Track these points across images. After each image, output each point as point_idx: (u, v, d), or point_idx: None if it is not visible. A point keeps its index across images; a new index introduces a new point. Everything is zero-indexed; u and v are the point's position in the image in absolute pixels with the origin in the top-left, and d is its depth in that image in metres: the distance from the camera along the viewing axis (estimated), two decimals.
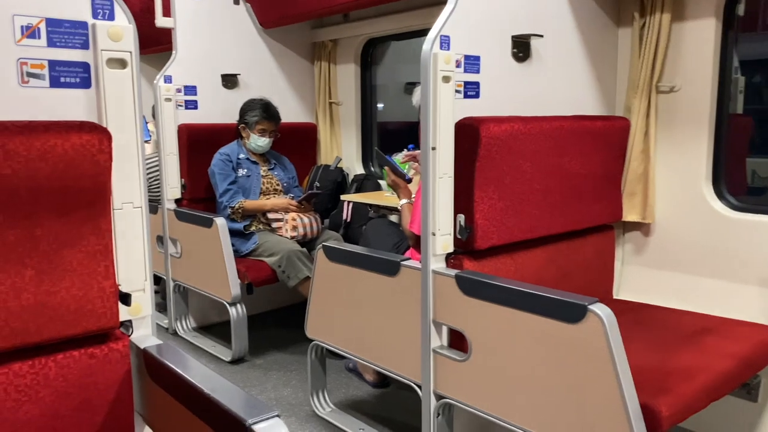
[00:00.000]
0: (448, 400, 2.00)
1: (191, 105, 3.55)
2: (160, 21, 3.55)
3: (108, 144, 1.25)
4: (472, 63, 2.03)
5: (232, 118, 3.50)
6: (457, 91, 1.99)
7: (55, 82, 1.26)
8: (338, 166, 3.80)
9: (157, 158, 3.56)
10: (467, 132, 1.95)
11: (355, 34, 3.78)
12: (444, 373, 2.00)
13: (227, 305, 3.08)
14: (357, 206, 3.57)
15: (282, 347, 3.31)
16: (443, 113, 1.92)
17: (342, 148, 4.00)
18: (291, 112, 3.90)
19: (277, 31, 3.82)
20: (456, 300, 1.92)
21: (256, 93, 3.60)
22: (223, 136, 3.50)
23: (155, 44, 4.21)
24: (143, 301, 1.40)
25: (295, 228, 3.23)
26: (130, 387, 1.35)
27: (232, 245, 3.18)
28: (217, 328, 3.60)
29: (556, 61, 2.31)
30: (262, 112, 3.35)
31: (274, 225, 3.27)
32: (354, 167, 3.94)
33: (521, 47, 2.18)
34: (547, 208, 2.21)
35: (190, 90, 3.54)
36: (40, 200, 1.18)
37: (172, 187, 3.48)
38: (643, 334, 2.08)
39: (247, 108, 3.39)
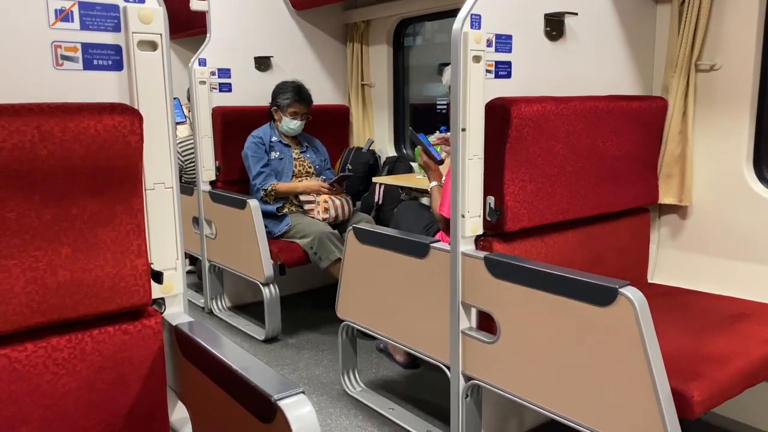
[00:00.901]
0: (476, 381, 2.00)
1: (225, 88, 3.58)
2: (195, 4, 3.58)
3: (139, 125, 1.27)
4: (503, 42, 2.00)
5: (265, 100, 3.53)
6: (488, 71, 1.97)
7: (88, 65, 1.29)
8: (370, 148, 3.80)
9: (192, 140, 3.62)
10: (498, 112, 1.93)
11: (388, 14, 3.75)
12: (473, 354, 2.00)
13: (260, 285, 3.13)
14: (389, 188, 3.57)
15: (314, 327, 3.35)
16: (473, 94, 1.90)
17: (374, 130, 4.00)
18: (323, 94, 3.91)
19: (310, 12, 3.82)
20: (485, 282, 1.91)
21: (288, 75, 3.62)
22: (256, 118, 3.53)
23: (191, 28, 4.26)
24: (175, 279, 1.43)
25: (326, 210, 3.25)
26: (163, 363, 1.38)
27: (265, 227, 3.22)
28: (252, 308, 3.66)
29: (591, 39, 2.26)
30: (293, 94, 3.36)
31: (306, 207, 3.30)
32: (386, 149, 3.93)
33: (554, 25, 2.13)
34: (580, 191, 2.18)
35: (224, 73, 3.58)
36: (75, 180, 1.21)
37: (207, 170, 3.54)
38: (677, 319, 2.04)
39: (279, 91, 3.41)
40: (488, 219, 2.00)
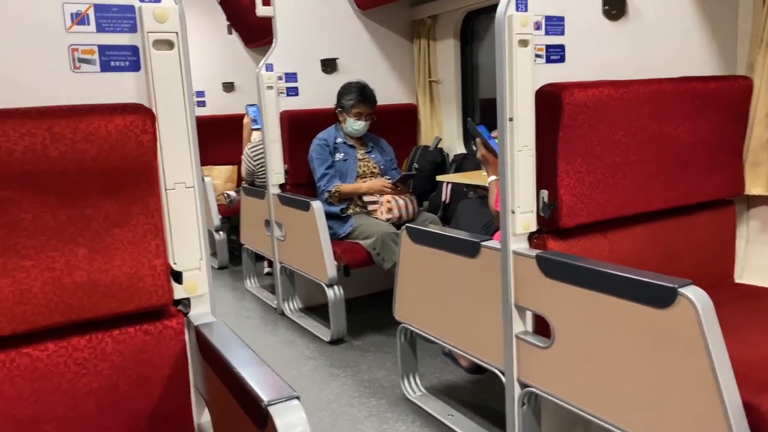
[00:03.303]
0: (532, 388, 1.87)
1: (292, 92, 3.61)
2: (261, 10, 3.64)
3: (152, 124, 1.27)
4: (555, 24, 1.86)
5: (332, 102, 3.52)
6: (538, 56, 1.84)
7: (105, 67, 1.30)
8: (438, 146, 3.71)
9: (262, 145, 3.68)
10: (547, 99, 1.79)
11: (454, 7, 3.65)
12: (527, 360, 1.87)
13: (325, 286, 3.12)
14: (456, 187, 3.46)
15: (380, 330, 3.30)
16: (521, 80, 1.78)
17: (443, 128, 3.90)
18: (390, 93, 3.86)
19: (375, 11, 3.79)
20: (537, 282, 1.78)
21: (355, 76, 3.59)
22: (323, 120, 3.53)
23: (269, 35, 4.34)
24: (199, 279, 1.42)
25: (390, 210, 3.19)
26: (186, 364, 1.37)
27: (330, 228, 3.21)
28: (322, 310, 3.65)
29: (659, 16, 2.06)
30: (357, 95, 3.33)
31: (370, 208, 3.26)
32: (454, 147, 3.82)
33: (614, 3, 1.96)
34: (648, 181, 1.99)
35: (291, 77, 3.61)
36: (89, 181, 1.22)
37: (276, 173, 3.58)
38: (763, 322, 1.81)
39: (343, 92, 3.40)
40: (541, 214, 1.87)
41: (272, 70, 3.55)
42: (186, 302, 1.42)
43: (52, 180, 1.18)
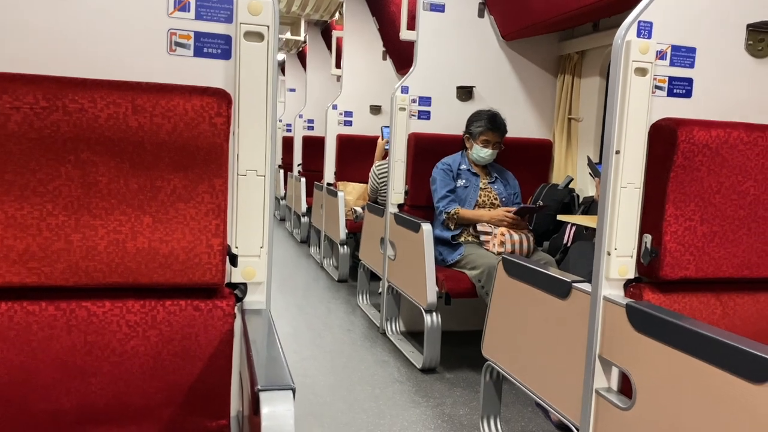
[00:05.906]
0: None
1: (424, 115, 3.63)
2: (404, 34, 3.72)
3: (226, 108, 1.32)
4: (683, 55, 1.69)
5: (462, 129, 3.48)
6: (659, 88, 1.68)
7: (198, 52, 1.38)
8: (567, 186, 3.51)
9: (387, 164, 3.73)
10: (661, 134, 1.63)
11: (605, 43, 3.46)
12: (605, 419, 1.68)
13: (423, 311, 3.06)
14: (579, 230, 3.24)
15: (476, 367, 3.15)
16: (633, 111, 1.63)
17: (577, 168, 3.69)
18: (526, 126, 3.75)
19: (520, 42, 3.71)
20: (624, 334, 1.60)
21: (490, 105, 3.53)
22: (450, 146, 3.51)
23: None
24: (258, 267, 1.44)
25: (502, 243, 3.06)
26: (231, 346, 1.39)
27: (440, 254, 3.16)
28: (422, 336, 3.58)
29: None
30: (487, 122, 3.27)
31: (483, 238, 3.15)
32: (587, 188, 3.60)
33: (762, 39, 1.74)
34: None
35: (425, 101, 3.63)
36: (162, 154, 1.29)
37: (397, 192, 3.60)
38: None
39: (473, 118, 3.35)
40: (641, 261, 1.68)
41: (407, 93, 3.60)
42: (243, 287, 1.45)
43: (129, 149, 1.27)
